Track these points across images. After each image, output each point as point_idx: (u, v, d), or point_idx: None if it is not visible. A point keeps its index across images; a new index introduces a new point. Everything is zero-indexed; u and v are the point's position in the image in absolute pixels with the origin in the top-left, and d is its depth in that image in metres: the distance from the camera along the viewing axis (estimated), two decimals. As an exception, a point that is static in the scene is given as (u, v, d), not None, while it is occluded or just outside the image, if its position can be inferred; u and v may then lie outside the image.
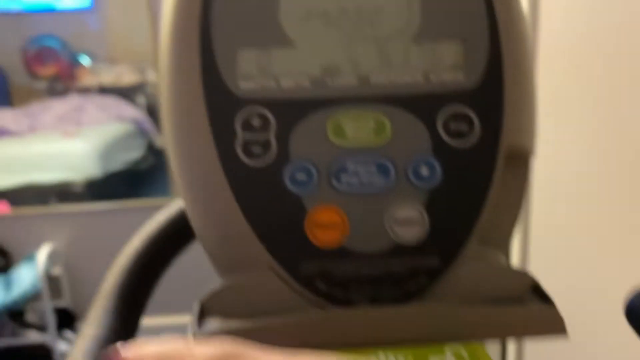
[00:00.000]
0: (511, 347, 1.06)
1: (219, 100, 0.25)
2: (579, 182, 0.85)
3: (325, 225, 0.24)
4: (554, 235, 0.94)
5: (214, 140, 0.24)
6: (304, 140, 0.25)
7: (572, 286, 0.86)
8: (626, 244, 0.74)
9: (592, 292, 0.82)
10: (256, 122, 0.25)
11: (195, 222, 0.26)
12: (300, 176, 0.24)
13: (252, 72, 0.25)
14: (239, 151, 0.24)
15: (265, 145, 0.25)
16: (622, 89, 0.72)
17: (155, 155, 2.26)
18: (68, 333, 1.91)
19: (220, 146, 0.24)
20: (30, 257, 1.77)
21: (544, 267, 0.97)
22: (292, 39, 0.26)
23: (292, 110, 0.25)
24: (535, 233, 0.99)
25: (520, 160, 0.26)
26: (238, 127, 0.25)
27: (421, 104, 0.25)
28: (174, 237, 0.31)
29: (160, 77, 0.26)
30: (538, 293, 0.24)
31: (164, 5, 0.27)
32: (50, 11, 2.30)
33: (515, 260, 1.02)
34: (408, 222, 0.24)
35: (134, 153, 2.24)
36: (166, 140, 0.26)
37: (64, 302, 1.95)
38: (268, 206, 0.24)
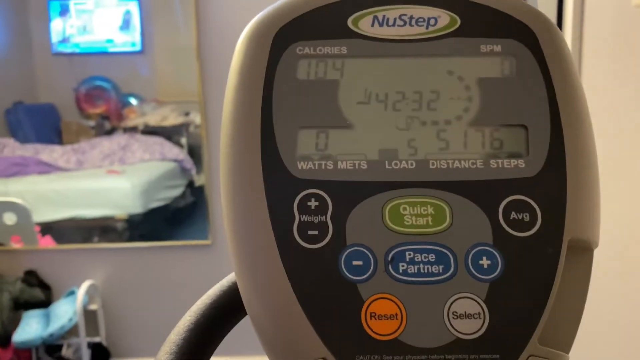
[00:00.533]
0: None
1: (277, 181, 0.25)
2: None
3: (382, 317, 0.23)
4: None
5: (271, 221, 0.24)
6: (361, 224, 0.24)
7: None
8: None
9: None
10: (313, 204, 0.25)
11: (248, 304, 0.25)
12: (356, 262, 0.24)
13: (311, 153, 0.25)
14: (295, 233, 0.24)
15: (322, 228, 0.24)
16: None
17: (194, 193, 2.30)
18: (101, 369, 1.92)
19: (277, 227, 0.24)
20: (71, 292, 1.81)
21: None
22: (351, 122, 0.26)
23: (349, 193, 0.25)
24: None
25: (583, 253, 0.25)
26: (295, 209, 0.25)
27: (481, 191, 0.25)
28: (227, 314, 0.31)
29: (220, 155, 0.27)
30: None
31: (227, 85, 0.27)
32: (103, 54, 2.41)
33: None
34: (468, 316, 0.23)
35: (174, 191, 2.29)
36: (224, 218, 0.26)
37: (99, 338, 1.97)
38: (323, 293, 0.24)
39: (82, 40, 2.40)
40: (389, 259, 0.24)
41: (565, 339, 0.24)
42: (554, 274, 0.24)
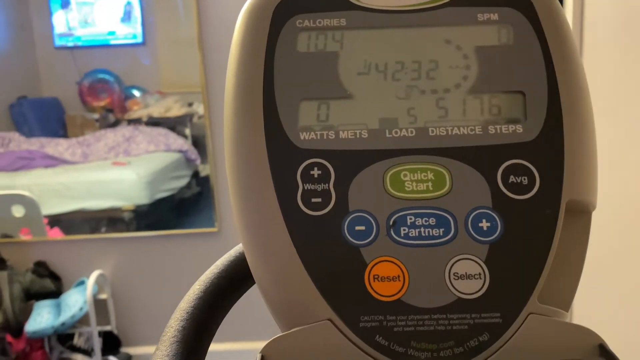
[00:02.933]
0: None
1: (280, 152, 0.26)
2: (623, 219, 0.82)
3: (385, 279, 0.24)
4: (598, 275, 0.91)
5: (276, 190, 0.25)
6: (363, 191, 0.25)
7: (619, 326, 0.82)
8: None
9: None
10: (316, 173, 0.25)
11: (255, 270, 0.26)
12: (359, 227, 0.25)
13: (312, 124, 0.26)
14: (300, 201, 0.25)
15: (325, 196, 0.25)
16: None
17: (200, 183, 2.31)
18: (112, 358, 1.94)
19: (281, 196, 0.25)
20: (80, 282, 1.83)
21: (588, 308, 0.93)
22: (351, 92, 0.26)
23: (350, 162, 0.25)
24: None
25: (581, 215, 0.26)
26: (299, 178, 0.25)
27: (480, 157, 0.25)
28: (235, 283, 0.31)
29: (224, 129, 0.27)
30: (605, 354, 0.23)
31: (228, 59, 0.28)
32: (104, 46, 2.41)
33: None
34: (469, 276, 0.24)
35: (179, 181, 2.30)
36: (229, 189, 0.27)
37: (110, 326, 1.99)
38: (328, 258, 0.24)
39: (84, 33, 2.40)
40: (391, 223, 0.25)
41: (564, 297, 0.25)
42: (552, 235, 0.24)
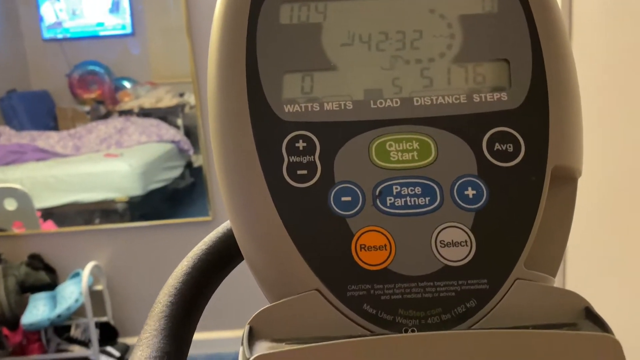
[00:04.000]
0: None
1: (265, 125, 0.25)
2: (622, 196, 0.83)
3: (372, 248, 0.24)
4: (589, 245, 0.92)
5: (261, 164, 0.25)
6: (348, 162, 0.25)
7: (620, 309, 0.83)
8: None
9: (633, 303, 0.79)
10: (301, 145, 0.25)
11: (242, 245, 0.26)
12: (345, 198, 0.25)
13: (296, 96, 0.26)
14: (285, 174, 0.25)
15: (311, 168, 0.25)
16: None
17: (193, 174, 2.30)
18: (110, 348, 1.95)
19: (267, 169, 0.25)
20: (75, 274, 1.83)
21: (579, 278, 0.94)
22: (335, 64, 0.26)
23: (335, 133, 0.25)
24: (572, 254, 0.96)
25: (567, 181, 0.26)
26: (284, 151, 0.25)
27: (465, 125, 0.25)
28: (223, 258, 0.31)
29: (209, 104, 0.27)
30: (591, 317, 0.23)
31: (211, 33, 0.28)
32: (94, 38, 2.39)
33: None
34: (455, 244, 0.24)
35: (173, 172, 2.30)
36: (215, 164, 0.27)
37: (106, 317, 1.99)
38: (314, 229, 0.24)
39: (72, 25, 2.37)
40: (377, 193, 0.25)
41: (551, 262, 0.25)
42: (538, 201, 0.24)
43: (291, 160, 0.25)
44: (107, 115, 2.52)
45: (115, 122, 2.46)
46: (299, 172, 0.25)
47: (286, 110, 0.25)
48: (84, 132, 2.44)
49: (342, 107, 0.26)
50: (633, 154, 0.79)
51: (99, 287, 1.86)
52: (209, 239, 0.32)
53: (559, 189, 0.25)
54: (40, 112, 2.44)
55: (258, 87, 0.26)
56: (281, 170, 0.25)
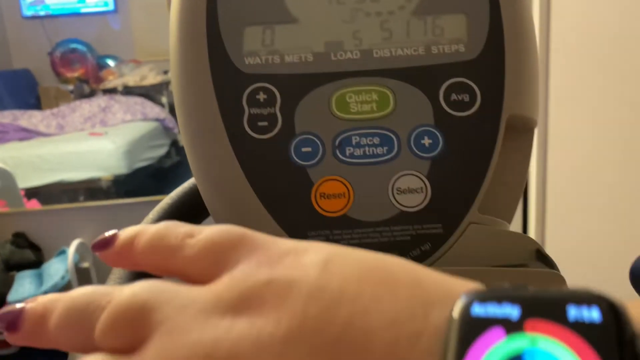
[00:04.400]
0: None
1: (225, 77, 0.26)
2: (593, 168, 0.84)
3: (331, 196, 0.25)
4: (571, 210, 0.93)
5: (222, 116, 0.25)
6: (309, 114, 0.25)
7: (589, 261, 0.85)
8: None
9: (608, 263, 0.81)
10: (262, 97, 0.25)
11: (206, 197, 0.26)
12: (306, 149, 0.25)
13: (257, 49, 0.26)
14: (246, 126, 0.25)
15: (271, 119, 0.25)
16: (635, 75, 0.71)
17: (179, 152, 2.29)
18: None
19: (228, 121, 0.25)
20: (61, 252, 1.82)
21: (561, 242, 0.96)
22: (296, 16, 0.26)
23: (296, 85, 0.26)
24: (551, 218, 0.98)
25: (523, 131, 0.26)
26: (244, 103, 0.25)
27: (423, 76, 0.26)
28: (189, 213, 0.32)
29: (170, 58, 0.27)
30: (541, 258, 0.24)
31: (172, -12, 0.28)
32: (75, 15, 2.35)
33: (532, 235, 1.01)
34: (411, 190, 0.25)
35: (158, 150, 2.28)
36: (177, 118, 0.27)
37: (94, 297, 1.99)
38: (275, 178, 0.25)
39: (53, 2, 2.33)
40: (337, 144, 0.25)
41: (505, 209, 0.26)
42: (492, 150, 0.25)
43: (252, 112, 0.25)
44: (91, 94, 2.48)
45: (99, 100, 2.43)
46: (259, 123, 0.25)
47: (247, 62, 0.26)
48: (68, 111, 2.40)
49: (303, 60, 0.26)
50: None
51: (85, 265, 1.86)
52: (175, 194, 0.32)
53: (514, 139, 0.26)
54: (22, 91, 2.41)
55: (218, 40, 0.26)
56: (242, 122, 0.25)
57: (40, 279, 1.77)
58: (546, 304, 0.11)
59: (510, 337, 0.10)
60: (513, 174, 0.26)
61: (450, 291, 0.12)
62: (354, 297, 0.12)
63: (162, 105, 2.43)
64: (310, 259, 0.13)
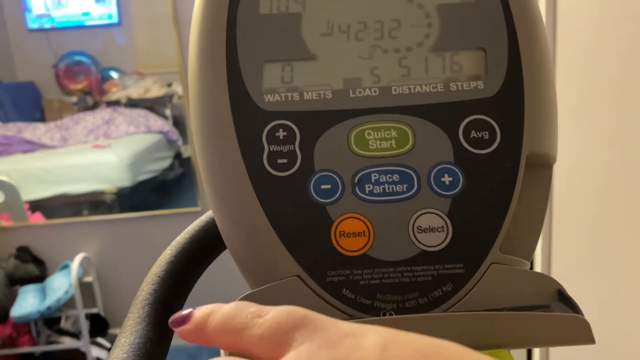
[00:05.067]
0: (536, 350, 1.05)
1: (245, 114, 0.26)
2: (600, 184, 0.84)
3: (351, 234, 0.25)
4: (577, 240, 0.93)
5: (242, 153, 0.25)
6: (328, 151, 0.25)
7: (596, 290, 0.84)
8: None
9: (617, 295, 0.80)
10: (281, 134, 0.25)
11: (224, 233, 0.26)
12: (325, 186, 0.25)
13: (277, 86, 0.26)
14: (266, 163, 0.25)
15: (291, 156, 0.25)
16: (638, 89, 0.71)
17: (183, 164, 2.29)
18: (101, 339, 1.95)
19: (248, 158, 0.25)
20: (65, 266, 1.82)
21: (567, 272, 0.96)
22: (314, 53, 0.26)
23: (315, 122, 0.26)
24: (557, 238, 0.98)
25: (542, 168, 0.26)
26: (264, 140, 0.25)
27: (442, 113, 0.26)
28: (206, 247, 0.32)
29: (189, 94, 0.27)
30: (563, 299, 0.24)
31: (191, 23, 0.28)
32: (79, 27, 2.36)
33: (537, 266, 1.00)
34: (432, 229, 0.25)
35: (162, 163, 2.29)
36: (196, 154, 0.27)
37: (97, 309, 1.99)
38: (294, 216, 0.25)
39: (58, 15, 2.34)
40: (356, 181, 0.25)
41: (525, 248, 0.26)
42: (512, 187, 0.25)
43: (272, 149, 0.25)
44: (94, 106, 2.49)
45: (103, 112, 2.43)
46: (279, 161, 0.25)
47: (266, 99, 0.26)
48: (71, 123, 2.41)
49: (322, 97, 0.26)
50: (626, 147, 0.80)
51: (88, 279, 1.86)
52: (192, 228, 0.32)
53: (534, 176, 0.26)
54: (26, 104, 2.42)
55: (238, 77, 0.26)
56: (262, 159, 0.25)
57: (43, 293, 1.77)
58: None
59: None
60: (533, 211, 0.26)
61: None
62: None
63: (165, 117, 2.44)
64: (368, 342, 0.14)
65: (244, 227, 0.25)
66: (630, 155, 0.76)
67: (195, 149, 0.27)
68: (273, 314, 0.17)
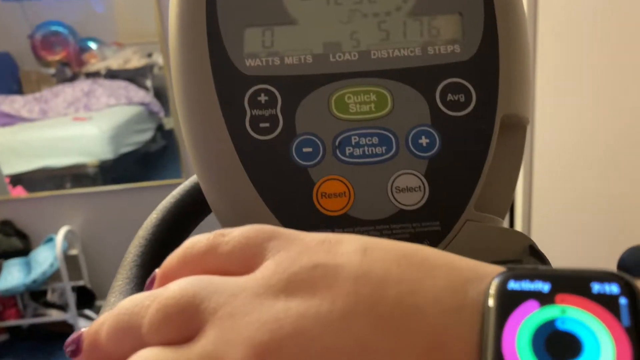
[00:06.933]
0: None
1: (227, 79, 0.26)
2: (579, 151, 0.86)
3: (332, 195, 0.25)
4: (556, 207, 0.95)
5: (224, 117, 0.26)
6: (309, 114, 0.26)
7: (574, 256, 0.87)
8: (625, 208, 0.75)
9: (592, 253, 0.83)
10: (263, 98, 0.26)
11: (209, 197, 0.27)
12: (306, 149, 0.26)
13: (258, 50, 0.26)
14: (248, 127, 0.26)
15: (273, 120, 0.26)
16: (617, 59, 0.72)
17: (165, 137, 2.27)
18: (88, 311, 1.96)
19: (230, 123, 0.26)
20: (49, 239, 1.81)
21: (547, 238, 0.98)
22: (294, 18, 0.27)
23: (296, 87, 0.26)
24: (537, 204, 1.00)
25: (516, 129, 0.27)
26: (246, 104, 0.26)
27: (420, 77, 0.26)
28: (191, 211, 0.32)
29: (171, 61, 0.27)
30: (534, 254, 0.25)
31: (171, -11, 0.28)
32: (55, -4, 2.30)
33: (518, 225, 1.03)
34: (409, 189, 0.26)
35: (144, 135, 2.26)
36: (179, 120, 0.27)
37: (83, 281, 2.00)
38: (277, 179, 0.26)
39: (32, -17, 2.27)
40: (336, 144, 0.26)
41: (499, 206, 0.27)
42: (487, 148, 0.26)
43: (254, 113, 0.26)
44: (73, 78, 2.44)
45: (82, 84, 2.39)
46: (261, 125, 0.26)
47: (247, 64, 0.26)
48: (50, 95, 2.37)
49: (302, 61, 0.26)
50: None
51: (74, 252, 1.85)
52: (177, 193, 0.33)
53: (508, 137, 0.27)
54: (3, 76, 2.36)
55: (219, 42, 0.26)
56: (244, 124, 0.26)
57: (28, 266, 1.77)
58: (573, 281, 0.12)
59: (544, 308, 0.12)
60: (507, 171, 0.27)
61: (481, 272, 0.14)
62: (398, 280, 0.13)
63: (146, 89, 2.40)
64: (347, 248, 0.14)
65: (228, 190, 0.26)
66: (609, 117, 0.78)
67: (177, 120, 0.28)
68: (239, 231, 0.16)
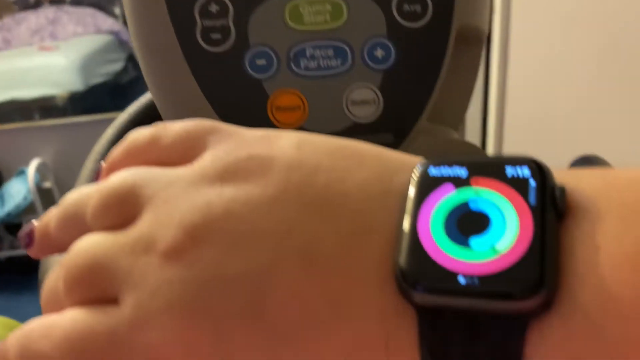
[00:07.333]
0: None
1: None
2: (552, 68, 0.86)
3: (286, 108, 0.25)
4: (529, 123, 0.97)
5: (174, 28, 0.25)
6: (263, 25, 0.25)
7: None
8: (599, 127, 0.76)
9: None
10: (214, 8, 0.25)
11: (163, 111, 0.27)
12: (260, 61, 0.25)
13: None
14: (199, 38, 0.25)
15: (224, 31, 0.25)
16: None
17: (137, 67, 2.21)
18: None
19: (180, 34, 0.25)
20: (20, 172, 1.79)
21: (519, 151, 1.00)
22: None
23: None
24: (510, 122, 1.01)
25: (473, 42, 0.27)
26: (196, 14, 0.25)
27: None
28: (146, 125, 0.32)
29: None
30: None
31: None
32: None
33: (490, 148, 1.05)
34: (364, 102, 0.25)
35: (114, 65, 2.19)
36: (130, 34, 0.26)
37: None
38: (231, 91, 0.25)
39: None
40: (291, 56, 0.25)
41: (453, 118, 0.27)
42: (442, 60, 0.26)
43: (204, 24, 0.25)
44: (36, 5, 2.32)
45: (47, 11, 2.28)
46: (213, 36, 0.25)
47: None
48: (13, 23, 2.25)
49: None
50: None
51: (47, 185, 1.83)
52: (132, 109, 0.32)
53: (464, 50, 0.27)
54: (-40, 2, 2.23)
55: None
56: (195, 35, 0.25)
57: (1, 200, 1.75)
58: (488, 166, 0.13)
59: (459, 190, 0.13)
60: (462, 84, 0.27)
61: (409, 162, 0.14)
62: (329, 168, 0.14)
63: (115, 16, 2.30)
64: (284, 142, 0.15)
65: (182, 104, 0.26)
66: (582, 37, 0.77)
67: (129, 29, 0.27)
68: (181, 124, 0.17)
